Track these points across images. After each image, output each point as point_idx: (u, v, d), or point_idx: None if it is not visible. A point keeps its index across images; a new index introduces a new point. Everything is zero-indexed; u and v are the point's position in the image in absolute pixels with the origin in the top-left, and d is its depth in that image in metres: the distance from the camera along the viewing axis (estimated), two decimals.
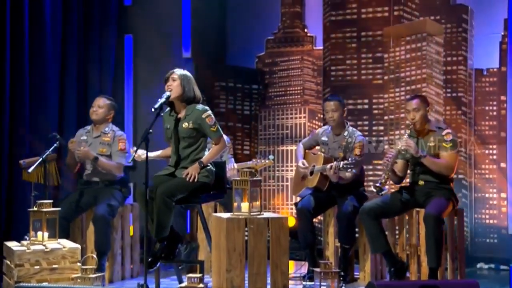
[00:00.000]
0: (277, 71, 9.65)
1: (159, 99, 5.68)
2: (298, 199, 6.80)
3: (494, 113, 8.60)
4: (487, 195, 8.57)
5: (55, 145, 6.30)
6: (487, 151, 8.64)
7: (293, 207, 7.39)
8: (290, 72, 9.59)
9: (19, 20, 7.43)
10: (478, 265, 8.51)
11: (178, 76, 5.83)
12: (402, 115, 8.94)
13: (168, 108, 5.92)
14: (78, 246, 5.55)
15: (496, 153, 8.59)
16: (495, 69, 8.53)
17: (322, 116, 9.16)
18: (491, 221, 8.55)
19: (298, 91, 9.55)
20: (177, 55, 8.96)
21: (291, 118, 9.56)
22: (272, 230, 5.05)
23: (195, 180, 5.64)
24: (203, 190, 5.80)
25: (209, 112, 5.87)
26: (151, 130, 5.46)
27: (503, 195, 8.44)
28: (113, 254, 6.51)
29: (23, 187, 6.80)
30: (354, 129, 6.69)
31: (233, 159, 7.08)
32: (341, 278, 6.32)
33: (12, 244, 5.60)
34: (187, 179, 5.63)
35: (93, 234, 6.38)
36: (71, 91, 7.92)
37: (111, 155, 6.61)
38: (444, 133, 6.11)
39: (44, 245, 5.48)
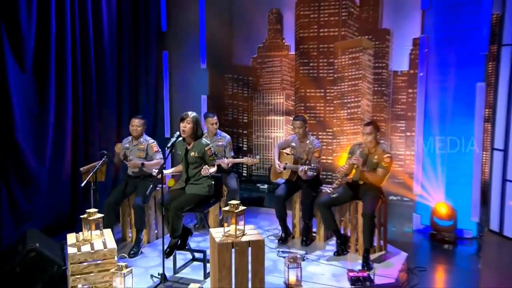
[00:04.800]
0: (265, 67, 7.99)
1: (172, 138, 4.10)
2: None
3: (404, 100, 7.27)
4: (398, 152, 7.23)
5: (103, 159, 4.71)
6: (398, 125, 7.30)
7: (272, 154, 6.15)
8: (273, 69, 7.96)
9: (85, 53, 5.66)
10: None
11: (191, 120, 4.23)
12: (345, 100, 7.44)
13: (181, 138, 4.29)
14: (115, 246, 4.05)
15: (404, 126, 7.30)
16: (405, 71, 7.16)
17: (293, 98, 7.78)
18: (401, 169, 7.20)
19: (279, 81, 7.93)
20: (197, 66, 7.10)
21: (274, 98, 7.96)
22: (252, 248, 3.55)
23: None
24: (205, 201, 4.29)
25: (210, 145, 4.29)
26: (165, 165, 3.91)
27: (408, 152, 7.18)
28: (148, 225, 5.06)
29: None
30: (313, 137, 5.14)
31: (232, 153, 5.44)
32: (303, 242, 4.98)
33: (70, 240, 4.12)
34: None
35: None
36: (125, 98, 6.14)
37: (146, 157, 5.01)
38: (385, 156, 4.58)
39: (92, 243, 4.02)
